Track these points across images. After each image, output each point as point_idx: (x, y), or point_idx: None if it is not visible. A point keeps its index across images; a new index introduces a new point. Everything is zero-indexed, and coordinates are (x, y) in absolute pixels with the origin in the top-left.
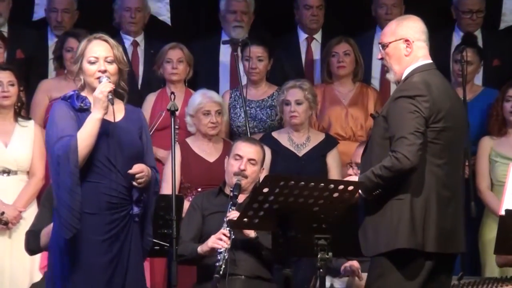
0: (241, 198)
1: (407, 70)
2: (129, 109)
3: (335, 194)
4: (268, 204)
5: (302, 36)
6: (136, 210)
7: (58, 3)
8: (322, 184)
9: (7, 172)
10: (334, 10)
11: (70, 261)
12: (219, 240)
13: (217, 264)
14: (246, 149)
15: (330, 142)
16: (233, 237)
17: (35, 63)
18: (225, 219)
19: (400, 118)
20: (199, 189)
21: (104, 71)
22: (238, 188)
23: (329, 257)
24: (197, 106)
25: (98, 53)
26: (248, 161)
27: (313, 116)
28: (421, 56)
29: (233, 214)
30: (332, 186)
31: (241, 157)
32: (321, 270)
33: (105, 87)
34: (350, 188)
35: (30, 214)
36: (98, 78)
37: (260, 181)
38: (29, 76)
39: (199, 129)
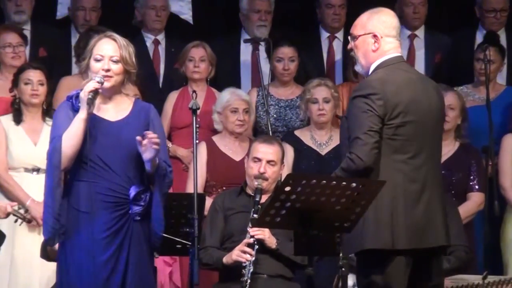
0: (264, 198)
1: (373, 65)
2: (138, 107)
3: (357, 193)
4: (290, 203)
5: (324, 35)
6: (135, 209)
7: (86, 1)
8: (344, 183)
9: (36, 170)
10: (356, 9)
11: (69, 260)
12: (243, 253)
13: (242, 279)
14: (264, 151)
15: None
16: (257, 247)
17: (58, 61)
18: (248, 229)
19: (355, 118)
20: (224, 188)
21: (108, 70)
22: (259, 193)
23: (351, 256)
24: (225, 104)
25: (104, 52)
26: (267, 163)
27: (336, 114)
28: (387, 50)
29: (254, 231)
30: (354, 184)
31: (259, 159)
32: (343, 269)
33: (87, 87)
34: (373, 187)
35: None
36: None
37: (282, 179)
38: (52, 74)
39: (226, 127)
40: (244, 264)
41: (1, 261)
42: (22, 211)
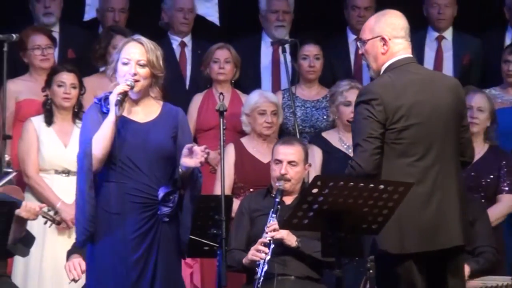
0: (289, 200)
1: (383, 68)
2: (166, 109)
3: (385, 195)
4: (318, 205)
5: (351, 36)
6: (164, 210)
7: (116, 2)
8: (372, 185)
9: (67, 172)
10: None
11: (99, 261)
12: (257, 252)
13: (256, 277)
14: (284, 152)
15: None
16: (273, 246)
17: (86, 63)
18: (265, 228)
19: (357, 124)
20: (252, 190)
21: (134, 74)
22: (280, 194)
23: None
24: (253, 106)
25: (131, 56)
26: (288, 164)
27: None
28: (397, 51)
29: (273, 226)
30: (382, 186)
31: (280, 161)
32: (371, 271)
33: (117, 89)
34: (400, 188)
35: None
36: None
37: (309, 180)
38: (81, 76)
39: (254, 129)
40: (258, 263)
41: (31, 263)
42: (51, 213)
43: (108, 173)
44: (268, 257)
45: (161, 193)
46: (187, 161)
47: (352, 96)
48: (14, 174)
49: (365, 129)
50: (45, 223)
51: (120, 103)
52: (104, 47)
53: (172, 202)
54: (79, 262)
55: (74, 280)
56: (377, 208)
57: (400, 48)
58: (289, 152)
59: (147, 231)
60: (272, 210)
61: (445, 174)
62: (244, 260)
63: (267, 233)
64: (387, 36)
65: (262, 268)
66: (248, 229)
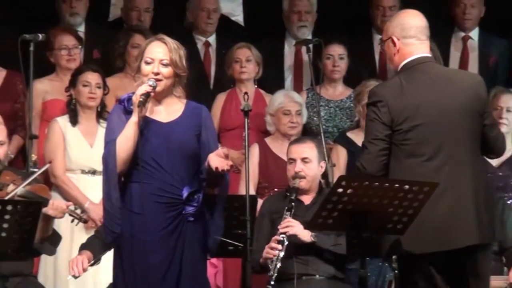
0: (307, 200)
1: (398, 69)
2: (190, 108)
3: (410, 195)
4: (342, 205)
5: (376, 36)
6: (189, 209)
7: (141, 2)
8: (397, 185)
9: (93, 172)
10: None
11: (124, 261)
12: (271, 249)
13: (269, 274)
14: (296, 150)
15: None
16: (287, 243)
17: (112, 63)
18: (278, 227)
19: (366, 126)
20: (276, 189)
21: (157, 73)
22: (294, 192)
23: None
24: (277, 106)
25: (154, 55)
26: (301, 161)
27: None
28: (408, 52)
29: (286, 223)
30: (407, 187)
31: (294, 159)
32: (396, 271)
33: (139, 90)
34: (426, 189)
35: None
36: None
37: (333, 180)
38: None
39: (279, 129)
40: (271, 260)
41: (59, 263)
42: (78, 211)
43: (132, 173)
44: (282, 254)
45: (185, 193)
46: (215, 164)
47: None
48: (48, 165)
49: (371, 130)
50: (72, 221)
51: (142, 104)
52: (123, 46)
53: (197, 201)
54: (82, 260)
55: (74, 276)
56: (402, 208)
57: (412, 49)
58: (301, 149)
59: (172, 231)
60: (286, 208)
61: (457, 174)
62: (260, 260)
63: (280, 230)
64: (395, 37)
65: (275, 265)
66: (269, 231)
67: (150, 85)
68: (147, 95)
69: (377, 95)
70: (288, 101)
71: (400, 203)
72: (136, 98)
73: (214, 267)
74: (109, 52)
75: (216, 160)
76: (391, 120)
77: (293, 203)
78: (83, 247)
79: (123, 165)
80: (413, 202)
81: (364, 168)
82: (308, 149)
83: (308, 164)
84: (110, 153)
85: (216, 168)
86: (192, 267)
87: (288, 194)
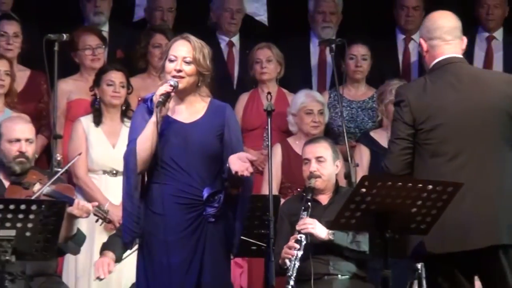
0: (324, 200)
1: (429, 69)
2: (213, 107)
3: (433, 195)
4: (365, 205)
5: (400, 36)
6: (209, 210)
7: (164, 2)
8: (420, 185)
9: (115, 173)
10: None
11: (146, 261)
12: (289, 249)
13: (288, 274)
14: (310, 150)
15: None
16: (305, 242)
17: (135, 63)
18: (296, 227)
19: (391, 126)
20: (299, 189)
21: (179, 71)
22: (310, 191)
23: None
24: (299, 105)
25: (178, 53)
26: (316, 161)
27: None
28: (436, 53)
29: (303, 222)
30: (430, 187)
31: (308, 159)
32: (419, 271)
33: (159, 90)
34: (449, 189)
35: None
36: (173, 76)
37: (356, 180)
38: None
39: (301, 129)
40: (290, 260)
41: (81, 263)
42: (103, 211)
43: (153, 174)
44: (300, 254)
45: (205, 194)
46: (235, 168)
47: None
48: (78, 156)
49: (394, 130)
50: (96, 221)
51: (162, 104)
52: (144, 46)
53: (218, 202)
54: (108, 262)
55: (99, 278)
56: (425, 208)
57: (440, 50)
58: (315, 149)
59: (192, 232)
60: (303, 208)
61: (480, 174)
62: (279, 261)
63: (297, 230)
64: (423, 39)
65: (294, 265)
66: (288, 234)
67: (171, 85)
68: (167, 95)
69: (400, 95)
70: (310, 100)
71: (424, 203)
72: (156, 98)
73: (239, 267)
74: (131, 53)
75: (237, 163)
76: (413, 119)
77: (309, 203)
78: (104, 247)
79: (143, 165)
80: (437, 202)
81: (387, 167)
82: (322, 149)
83: (323, 164)
84: (130, 153)
85: (236, 172)
86: (213, 268)
87: (304, 194)
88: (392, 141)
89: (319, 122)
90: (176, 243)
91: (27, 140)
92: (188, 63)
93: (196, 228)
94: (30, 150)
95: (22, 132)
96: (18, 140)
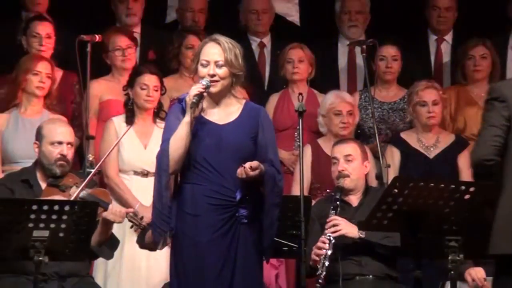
0: (354, 201)
1: None
2: (248, 109)
3: (466, 196)
4: (397, 206)
5: (432, 37)
6: (242, 212)
7: (195, 3)
8: (453, 186)
9: (146, 173)
10: (466, 11)
11: (178, 262)
12: (318, 249)
13: (317, 272)
14: (338, 150)
15: (461, 143)
16: (333, 241)
17: (167, 64)
18: (326, 226)
19: (481, 120)
20: (328, 190)
21: (213, 75)
22: (339, 191)
23: (460, 259)
24: (328, 106)
25: (209, 57)
26: (344, 159)
27: (446, 117)
28: None
29: (332, 221)
30: (463, 187)
31: (337, 159)
32: (452, 272)
33: (192, 90)
34: (483, 190)
35: None
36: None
37: (388, 181)
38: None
39: (330, 130)
40: (319, 259)
41: (111, 264)
42: (138, 217)
43: (186, 174)
44: (330, 252)
45: (238, 195)
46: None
47: (427, 96)
48: (113, 147)
49: (486, 119)
50: (131, 227)
51: (195, 105)
52: (177, 47)
53: (251, 203)
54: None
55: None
56: (458, 209)
57: None
58: (343, 148)
59: (225, 233)
60: (332, 207)
61: None
62: (310, 262)
63: (326, 229)
64: None
65: (323, 263)
66: (319, 235)
67: (203, 85)
68: (200, 96)
69: (495, 91)
70: (339, 101)
71: (456, 204)
72: (189, 99)
73: (275, 269)
74: (166, 53)
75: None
76: (508, 116)
77: (338, 202)
78: (141, 239)
79: (176, 165)
80: (471, 203)
81: (474, 151)
82: (351, 148)
83: (351, 163)
84: (163, 152)
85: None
86: (246, 269)
87: (333, 194)
88: (483, 127)
89: (348, 123)
90: (209, 244)
91: (68, 143)
92: (220, 66)
93: (229, 229)
94: (70, 153)
95: (64, 136)
96: (60, 143)
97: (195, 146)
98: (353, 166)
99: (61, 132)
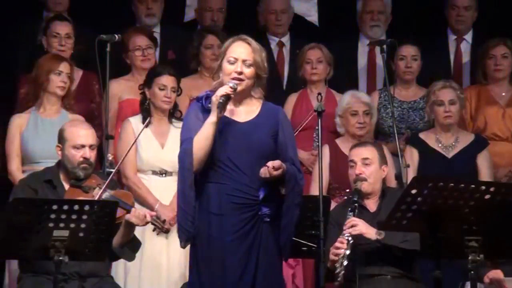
0: (372, 205)
1: None
2: (266, 108)
3: (487, 196)
4: (416, 206)
5: (452, 36)
6: (265, 210)
7: (214, 2)
8: (473, 186)
9: (164, 173)
10: (486, 10)
11: (200, 261)
12: (336, 250)
13: (336, 271)
14: (356, 153)
15: (480, 143)
16: (352, 241)
17: (186, 64)
18: (344, 228)
19: None
20: (347, 190)
21: (240, 73)
22: (357, 193)
23: (481, 259)
24: (345, 106)
25: (238, 54)
26: (362, 163)
27: (465, 116)
28: None
29: (350, 222)
30: (483, 187)
31: (354, 162)
32: (472, 272)
33: (220, 91)
34: (503, 190)
35: None
36: (233, 78)
37: (407, 181)
38: (180, 76)
39: (347, 130)
40: (337, 259)
41: (131, 263)
42: (161, 220)
43: (209, 173)
44: (348, 252)
45: (261, 194)
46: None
47: (444, 95)
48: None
49: None
50: (154, 230)
51: (222, 106)
52: (197, 47)
53: (273, 202)
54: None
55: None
56: (478, 209)
57: None
58: (361, 151)
59: (248, 231)
60: (350, 209)
61: None
62: (328, 265)
63: (345, 230)
64: None
65: (342, 262)
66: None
67: (231, 87)
68: (227, 97)
69: None
70: (355, 101)
71: (477, 204)
72: (216, 99)
73: (291, 268)
74: (183, 53)
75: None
76: None
77: (356, 204)
78: None
79: (199, 164)
80: (491, 203)
81: None
82: (368, 151)
83: (369, 166)
84: (186, 152)
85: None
86: (268, 268)
87: (350, 196)
88: None
89: (364, 123)
90: (232, 243)
91: (90, 146)
92: (248, 65)
93: (251, 228)
94: (93, 155)
95: (86, 139)
96: (83, 146)
97: (218, 145)
98: (371, 169)
99: (83, 135)
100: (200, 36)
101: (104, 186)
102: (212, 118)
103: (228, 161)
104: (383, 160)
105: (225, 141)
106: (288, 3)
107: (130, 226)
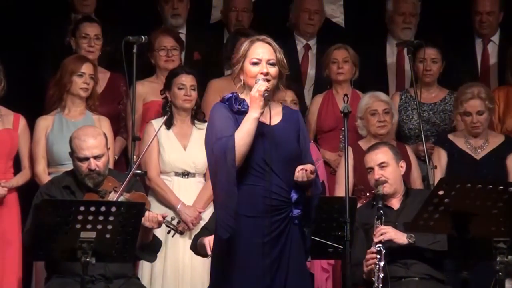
0: (396, 204)
1: None
2: (287, 112)
3: None
4: (444, 207)
5: (477, 40)
6: (296, 212)
7: (239, 2)
8: (501, 187)
9: (186, 174)
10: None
11: (232, 263)
12: (369, 261)
13: (374, 286)
14: (371, 159)
15: (510, 144)
16: (384, 251)
17: (212, 65)
18: (374, 239)
19: None
20: (373, 191)
21: (266, 74)
22: (380, 199)
23: (509, 260)
24: (364, 107)
25: (261, 55)
26: (379, 168)
27: (494, 119)
28: None
29: (380, 231)
30: (511, 188)
31: (371, 168)
32: (500, 273)
33: (260, 86)
34: None
35: (209, 214)
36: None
37: (434, 182)
38: (207, 78)
39: (369, 130)
40: (371, 268)
41: (156, 264)
42: (174, 222)
43: (242, 175)
44: (382, 264)
45: (294, 195)
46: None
47: (471, 108)
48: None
49: None
50: (168, 232)
51: (268, 98)
52: (230, 50)
53: (303, 204)
54: (209, 240)
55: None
56: (507, 211)
57: None
58: (375, 156)
59: (280, 234)
60: (376, 216)
61: None
62: (364, 276)
63: (375, 240)
64: None
65: (378, 276)
66: (363, 242)
67: (267, 84)
68: (268, 91)
69: None
70: (374, 100)
71: (505, 206)
72: (259, 93)
73: (326, 272)
74: (209, 55)
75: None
76: None
77: (381, 211)
78: (199, 236)
79: (240, 160)
80: None
81: None
82: (382, 154)
83: (386, 168)
84: (229, 148)
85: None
86: (299, 270)
87: (374, 203)
88: None
89: (385, 121)
90: (265, 245)
91: (96, 157)
92: (272, 64)
93: (283, 230)
94: (101, 164)
95: (90, 151)
96: (87, 159)
97: (252, 147)
98: (389, 170)
99: (86, 148)
100: (234, 39)
101: (121, 190)
102: (255, 113)
103: (263, 162)
104: (398, 157)
105: (258, 142)
106: (322, 5)
107: (146, 228)
